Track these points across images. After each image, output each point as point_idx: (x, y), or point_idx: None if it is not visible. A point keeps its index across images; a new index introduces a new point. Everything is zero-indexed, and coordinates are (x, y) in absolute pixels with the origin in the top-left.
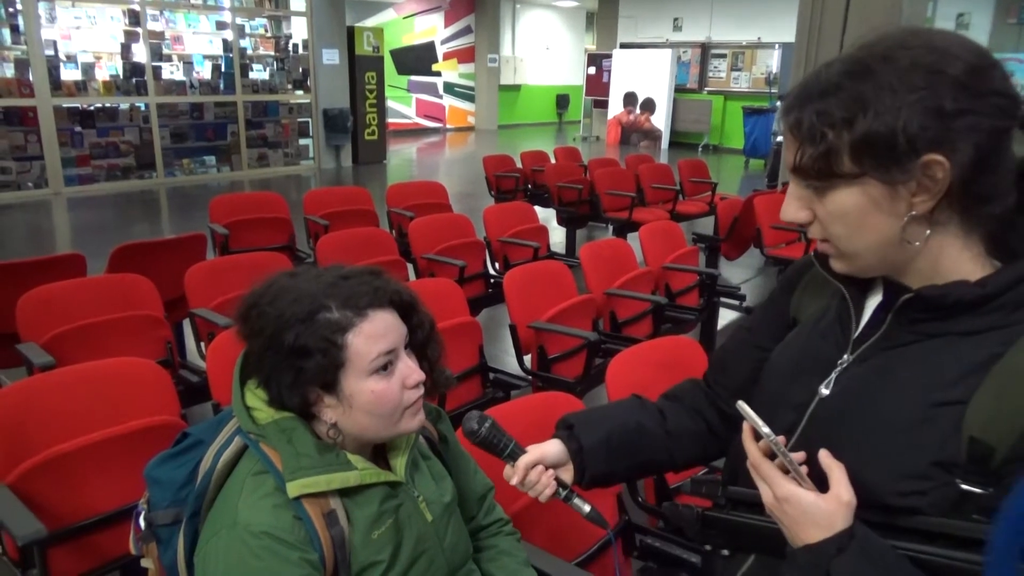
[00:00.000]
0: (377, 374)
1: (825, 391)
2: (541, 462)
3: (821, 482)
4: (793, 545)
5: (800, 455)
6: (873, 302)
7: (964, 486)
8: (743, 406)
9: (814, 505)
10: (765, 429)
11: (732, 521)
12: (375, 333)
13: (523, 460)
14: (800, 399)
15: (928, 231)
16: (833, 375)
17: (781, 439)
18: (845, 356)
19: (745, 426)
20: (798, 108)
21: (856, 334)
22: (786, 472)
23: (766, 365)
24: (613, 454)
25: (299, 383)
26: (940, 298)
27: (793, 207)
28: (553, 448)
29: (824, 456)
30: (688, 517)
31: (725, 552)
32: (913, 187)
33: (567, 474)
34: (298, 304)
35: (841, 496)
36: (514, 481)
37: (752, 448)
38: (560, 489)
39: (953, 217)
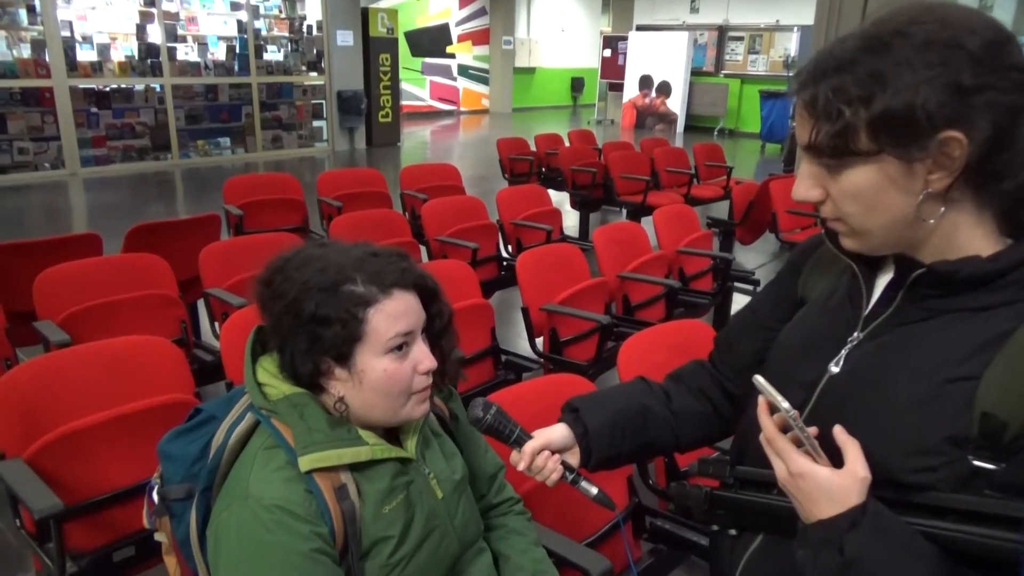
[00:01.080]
0: (392, 353)
1: (835, 369)
2: (547, 447)
3: (833, 458)
4: (805, 522)
5: (813, 430)
6: (883, 279)
7: (975, 462)
8: (760, 380)
9: (829, 480)
10: (784, 404)
11: (740, 500)
12: (396, 312)
13: (529, 446)
14: (809, 377)
15: (942, 208)
16: (843, 353)
17: (796, 413)
18: (856, 334)
19: (761, 400)
20: (813, 84)
21: (867, 311)
22: (799, 447)
23: (774, 344)
24: (618, 436)
25: (314, 351)
26: (952, 273)
27: (805, 185)
28: (559, 432)
29: (839, 432)
30: (695, 497)
31: (733, 532)
32: (929, 164)
33: (574, 457)
34: (324, 273)
35: (857, 471)
36: (521, 467)
37: (767, 422)
38: (567, 473)
39: (967, 194)
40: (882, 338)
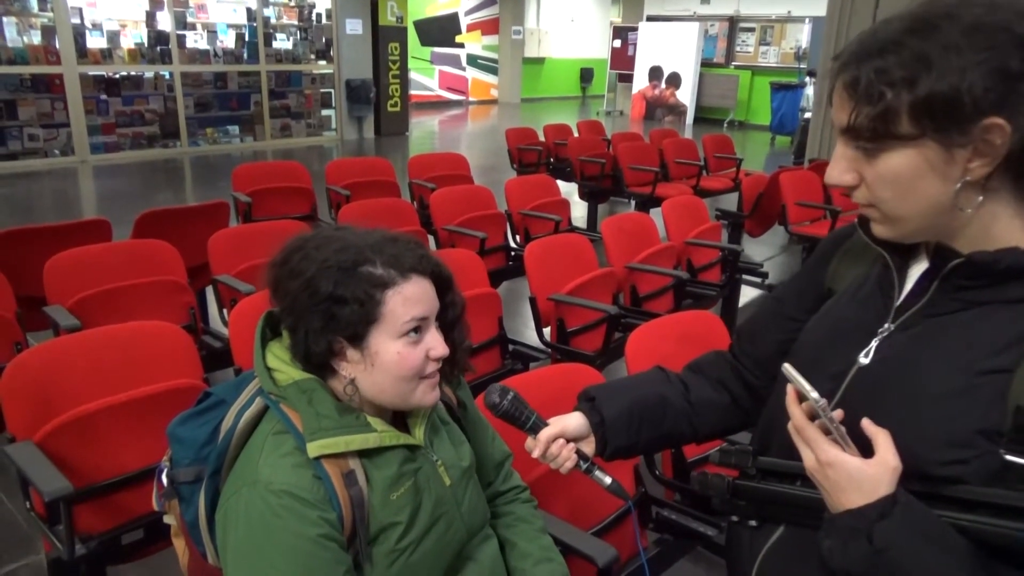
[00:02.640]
0: (406, 337)
1: (864, 360)
2: (562, 435)
3: (863, 450)
4: (833, 512)
5: (839, 413)
6: (917, 270)
7: (1008, 456)
8: (789, 369)
9: (859, 470)
10: (813, 393)
11: (765, 490)
12: (413, 296)
13: (545, 433)
14: (838, 368)
15: (980, 198)
16: (873, 344)
17: (825, 403)
18: (887, 324)
19: (789, 389)
20: (855, 65)
21: (899, 302)
22: (827, 436)
23: (801, 334)
24: (635, 426)
25: (328, 329)
26: (991, 264)
27: (839, 168)
28: (575, 421)
29: (867, 424)
30: (718, 487)
31: (753, 523)
32: (970, 151)
33: (589, 446)
34: (344, 253)
35: (888, 460)
36: (536, 454)
37: (796, 411)
38: (581, 462)
39: (1006, 184)
40: (914, 329)
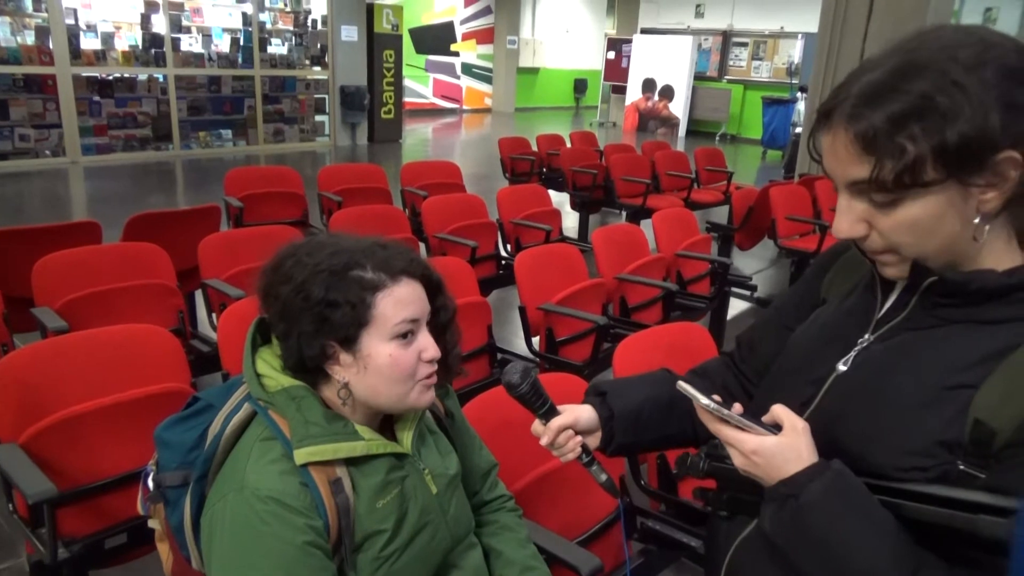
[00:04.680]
0: (398, 339)
1: (843, 367)
2: (574, 426)
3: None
4: None
5: (737, 407)
6: (901, 285)
7: (963, 467)
8: (682, 385)
9: (778, 444)
10: (703, 399)
11: (729, 469)
12: (404, 299)
13: (556, 422)
14: (819, 374)
15: (987, 227)
16: (852, 353)
17: (714, 403)
18: (866, 335)
19: (697, 405)
20: (864, 116)
21: (880, 314)
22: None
23: (790, 340)
24: (642, 425)
25: (321, 333)
26: (963, 284)
27: (848, 222)
28: (586, 414)
29: (775, 407)
30: (695, 465)
31: (723, 513)
32: (983, 187)
33: (594, 441)
34: (336, 257)
35: (795, 424)
36: (544, 441)
37: (707, 419)
38: (583, 455)
39: (1001, 212)
40: (891, 341)
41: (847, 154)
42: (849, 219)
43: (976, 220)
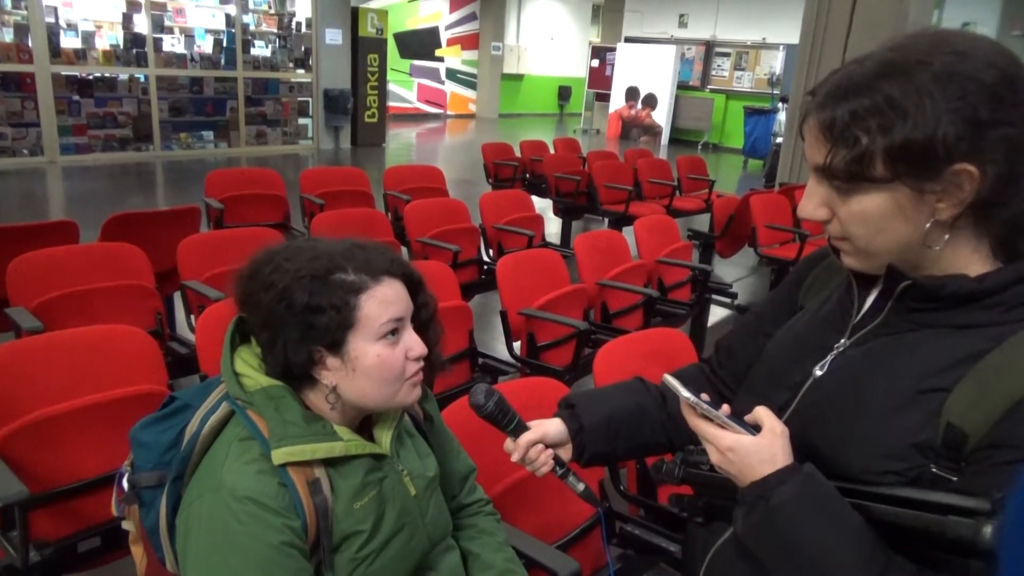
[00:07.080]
0: (384, 339)
1: (819, 372)
2: (542, 440)
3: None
4: None
5: (724, 408)
6: (876, 290)
7: (936, 470)
8: (668, 378)
9: (754, 444)
10: (685, 393)
11: (704, 475)
12: (387, 299)
13: (525, 437)
14: (795, 379)
15: (947, 236)
16: (828, 358)
17: (699, 399)
18: (842, 340)
19: (681, 401)
20: (831, 106)
21: (856, 320)
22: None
23: (767, 345)
24: (613, 435)
25: (307, 339)
26: (936, 288)
27: (812, 204)
28: (554, 427)
29: (758, 409)
30: (670, 471)
31: (699, 519)
32: (939, 194)
33: (566, 452)
34: (316, 262)
35: (775, 428)
36: (515, 457)
37: (690, 416)
38: (557, 467)
39: (969, 222)
40: (866, 346)
41: (812, 139)
42: (813, 201)
43: (927, 226)
